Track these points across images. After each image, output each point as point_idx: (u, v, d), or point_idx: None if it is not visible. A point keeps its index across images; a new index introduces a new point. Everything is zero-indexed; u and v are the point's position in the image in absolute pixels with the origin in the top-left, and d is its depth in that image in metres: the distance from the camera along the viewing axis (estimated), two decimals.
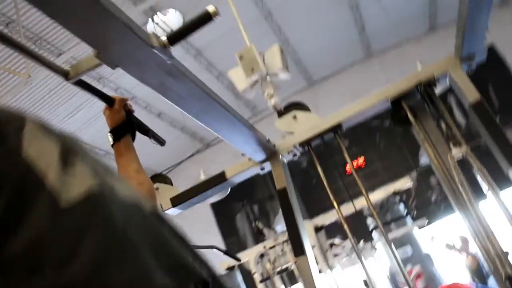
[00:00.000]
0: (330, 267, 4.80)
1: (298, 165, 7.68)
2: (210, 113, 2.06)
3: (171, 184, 2.98)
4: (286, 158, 2.73)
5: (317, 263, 5.64)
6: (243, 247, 7.94)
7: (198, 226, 8.73)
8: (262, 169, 2.75)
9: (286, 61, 3.99)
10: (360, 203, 6.68)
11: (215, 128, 2.21)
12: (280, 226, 7.29)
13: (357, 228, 7.06)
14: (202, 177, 3.08)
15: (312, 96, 8.57)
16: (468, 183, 2.34)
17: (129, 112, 1.71)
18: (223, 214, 8.81)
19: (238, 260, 4.44)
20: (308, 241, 2.58)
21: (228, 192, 4.48)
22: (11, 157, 0.75)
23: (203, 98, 1.92)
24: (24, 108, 5.91)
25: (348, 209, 6.29)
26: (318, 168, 2.71)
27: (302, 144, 2.68)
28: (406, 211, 7.45)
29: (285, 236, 4.99)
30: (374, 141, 8.04)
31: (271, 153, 2.64)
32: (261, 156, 2.64)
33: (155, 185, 2.93)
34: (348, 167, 8.22)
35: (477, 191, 2.52)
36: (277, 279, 5.20)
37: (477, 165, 2.24)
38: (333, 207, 6.18)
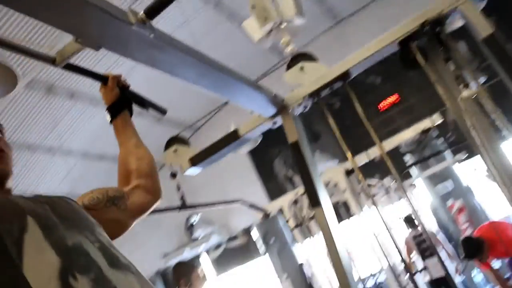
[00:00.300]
0: (363, 208, 4.84)
1: (331, 106, 7.55)
2: (207, 78, 2.07)
3: (189, 145, 3.06)
4: (296, 110, 2.72)
5: (348, 208, 5.72)
6: (283, 191, 8.08)
7: (238, 172, 8.92)
8: (275, 123, 2.76)
9: (300, 5, 3.87)
10: (397, 140, 6.61)
11: (216, 91, 2.23)
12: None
13: (394, 166, 6.99)
14: (233, 129, 3.12)
15: (340, 34, 8.30)
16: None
17: (123, 87, 1.74)
18: (261, 160, 8.92)
19: (265, 212, 4.55)
20: (325, 191, 2.61)
21: (259, 141, 4.54)
22: (11, 274, 0.83)
23: (197, 65, 1.92)
24: (53, 81, 6.11)
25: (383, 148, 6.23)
26: (330, 120, 2.69)
27: (311, 95, 2.65)
28: (445, 145, 7.27)
29: None
30: (408, 76, 7.76)
31: (281, 107, 2.64)
32: (271, 111, 2.64)
33: (174, 148, 3.02)
34: (381, 104, 8.08)
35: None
36: (312, 225, 5.30)
37: (489, 106, 2.16)
38: (369, 147, 6.13)
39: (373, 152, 5.89)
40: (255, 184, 9.12)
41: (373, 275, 6.00)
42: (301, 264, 6.54)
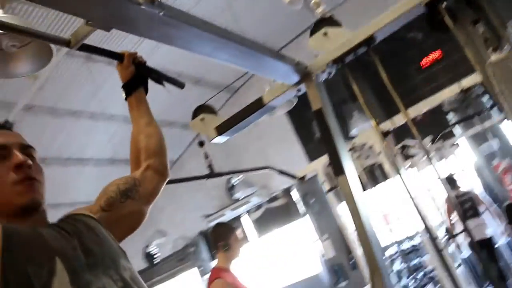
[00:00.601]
0: (400, 171, 4.75)
1: (370, 65, 7.32)
2: (225, 51, 2.07)
3: (216, 113, 3.09)
4: (320, 77, 2.68)
5: (382, 171, 5.63)
6: (323, 152, 8.01)
7: (277, 134, 8.92)
8: (299, 90, 2.74)
9: None
10: (439, 97, 6.37)
11: (235, 63, 2.22)
12: (356, 129, 7.21)
13: (436, 125, 6.78)
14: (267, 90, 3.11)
15: None
16: None
17: (139, 64, 1.77)
18: (300, 121, 8.83)
19: (294, 177, 4.56)
20: (349, 159, 2.59)
21: (295, 103, 4.50)
22: None
23: (212, 39, 1.92)
24: (96, 40, 6.22)
25: (424, 105, 6.03)
26: (354, 87, 2.64)
27: (335, 62, 2.60)
28: (491, 103, 6.95)
29: (350, 144, 5.00)
30: (451, 32, 7.36)
31: (304, 75, 2.61)
32: (294, 79, 2.62)
33: (201, 116, 3.07)
34: (423, 61, 7.76)
35: None
36: None
37: None
38: (409, 105, 5.94)
39: (413, 112, 5.72)
40: (295, 145, 9.09)
41: (410, 238, 5.98)
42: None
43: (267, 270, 9.12)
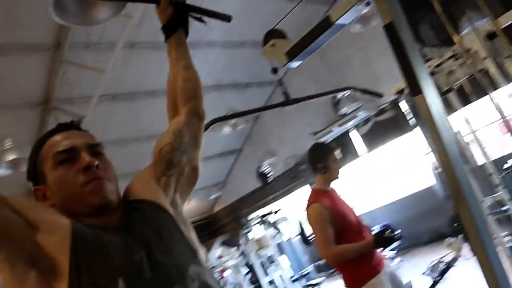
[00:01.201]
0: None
1: None
2: None
3: (286, 37, 2.94)
4: None
5: (491, 79, 4.95)
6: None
7: (380, 44, 8.36)
8: (368, 4, 2.48)
9: None
10: None
11: None
12: (467, 30, 6.44)
13: None
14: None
15: None
16: None
17: (177, 4, 1.70)
18: None
19: (380, 96, 4.21)
20: (427, 77, 2.33)
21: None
22: None
23: None
24: None
25: None
26: None
27: None
28: None
29: (450, 52, 4.52)
30: None
31: None
32: None
33: (271, 42, 2.95)
34: None
35: None
36: (452, 97, 4.83)
37: None
38: None
39: None
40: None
41: None
42: (456, 133, 6.09)
43: (378, 184, 9.01)
